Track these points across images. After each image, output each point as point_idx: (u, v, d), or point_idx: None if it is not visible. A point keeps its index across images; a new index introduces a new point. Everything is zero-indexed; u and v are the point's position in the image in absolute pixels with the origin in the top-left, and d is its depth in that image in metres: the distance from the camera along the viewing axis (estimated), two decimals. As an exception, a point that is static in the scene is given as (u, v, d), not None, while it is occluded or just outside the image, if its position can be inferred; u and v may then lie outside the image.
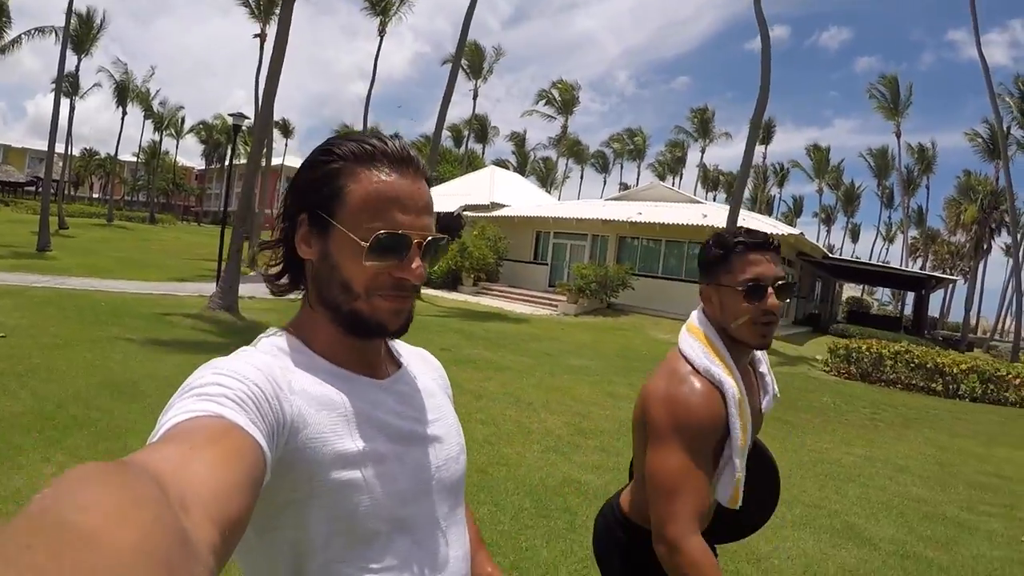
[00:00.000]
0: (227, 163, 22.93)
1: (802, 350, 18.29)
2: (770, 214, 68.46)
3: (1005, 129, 34.23)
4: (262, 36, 33.83)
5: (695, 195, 32.07)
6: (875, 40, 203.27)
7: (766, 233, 1.60)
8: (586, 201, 32.65)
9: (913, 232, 57.64)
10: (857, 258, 59.21)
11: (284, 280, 0.99)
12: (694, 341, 1.62)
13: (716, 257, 1.62)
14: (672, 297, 21.39)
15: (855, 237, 75.87)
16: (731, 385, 1.53)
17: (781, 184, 66.70)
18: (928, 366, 14.70)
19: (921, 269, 49.74)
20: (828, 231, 73.12)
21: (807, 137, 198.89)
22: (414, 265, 0.91)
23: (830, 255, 29.16)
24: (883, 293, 60.46)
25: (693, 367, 1.57)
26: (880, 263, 40.27)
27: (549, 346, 13.53)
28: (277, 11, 25.87)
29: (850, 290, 52.59)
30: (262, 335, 0.96)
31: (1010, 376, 14.39)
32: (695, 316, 1.69)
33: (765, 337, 1.59)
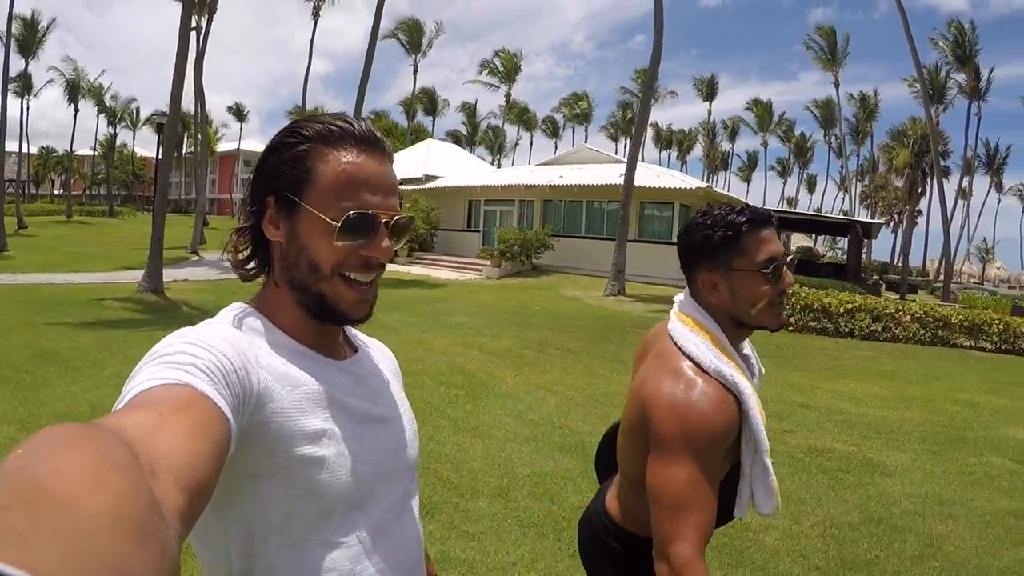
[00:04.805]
0: (156, 157, 23.10)
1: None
2: (726, 169, 69.30)
3: (942, 75, 35.35)
4: (197, 28, 33.63)
5: (644, 155, 32.54)
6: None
7: (761, 208, 1.47)
8: (516, 168, 33.35)
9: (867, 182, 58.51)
10: (820, 210, 59.72)
11: (252, 265, 0.98)
12: (695, 336, 1.41)
13: (725, 239, 1.41)
14: (590, 255, 21.98)
15: (811, 188, 76.89)
16: (747, 386, 1.37)
17: (732, 139, 67.37)
18: (815, 307, 14.80)
19: (871, 217, 50.57)
20: (784, 183, 74.44)
21: (774, 91, 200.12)
22: (384, 244, 0.92)
23: (751, 206, 29.51)
24: (846, 243, 60.86)
25: (700, 367, 1.36)
26: (806, 212, 41.37)
27: (443, 307, 13.93)
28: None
29: (804, 241, 53.12)
30: (225, 308, 0.95)
31: (900, 313, 14.47)
32: (687, 307, 1.50)
33: (781, 316, 1.45)
